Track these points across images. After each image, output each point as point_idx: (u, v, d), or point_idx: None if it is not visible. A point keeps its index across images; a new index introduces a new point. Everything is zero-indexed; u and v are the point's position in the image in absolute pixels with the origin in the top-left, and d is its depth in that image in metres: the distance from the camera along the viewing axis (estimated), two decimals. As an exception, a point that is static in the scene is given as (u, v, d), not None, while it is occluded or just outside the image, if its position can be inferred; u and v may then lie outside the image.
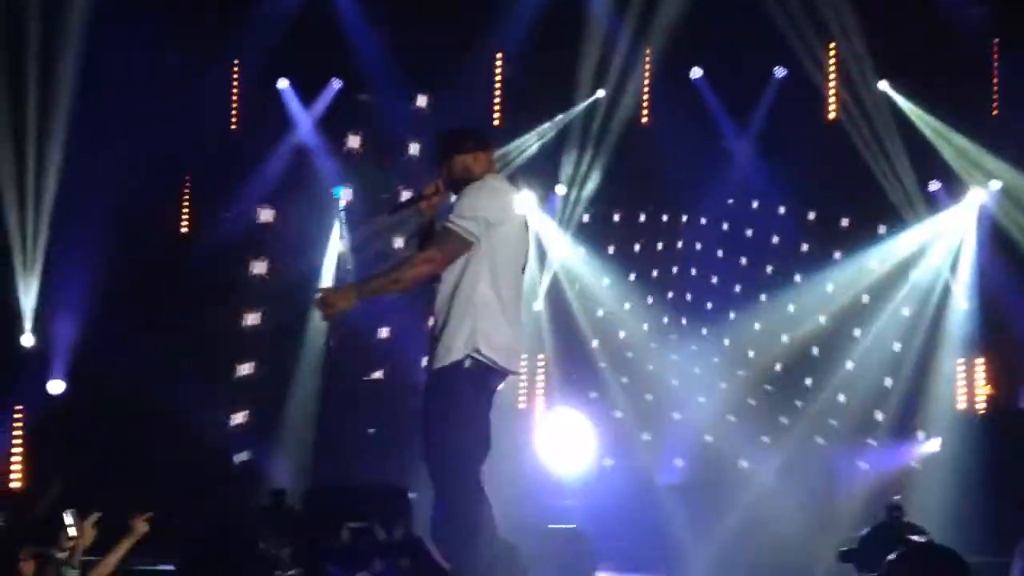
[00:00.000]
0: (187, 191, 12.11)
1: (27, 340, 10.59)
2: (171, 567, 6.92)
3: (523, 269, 5.61)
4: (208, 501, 9.49)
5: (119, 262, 10.55)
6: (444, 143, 5.75)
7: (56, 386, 10.65)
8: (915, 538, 6.80)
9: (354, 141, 12.15)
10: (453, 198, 5.54)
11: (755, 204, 13.63)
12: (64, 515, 6.35)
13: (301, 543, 7.52)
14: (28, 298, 10.55)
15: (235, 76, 12.02)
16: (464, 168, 5.59)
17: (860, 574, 6.94)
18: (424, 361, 5.74)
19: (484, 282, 5.37)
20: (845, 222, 13.45)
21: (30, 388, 10.39)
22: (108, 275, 10.51)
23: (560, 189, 13.21)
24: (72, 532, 6.32)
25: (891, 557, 6.20)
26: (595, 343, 13.10)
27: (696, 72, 13.24)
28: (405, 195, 10.28)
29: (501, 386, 5.54)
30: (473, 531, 5.33)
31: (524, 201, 12.29)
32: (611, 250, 13.33)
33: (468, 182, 5.56)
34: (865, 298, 13.19)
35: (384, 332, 12.21)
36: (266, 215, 11.87)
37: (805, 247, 13.56)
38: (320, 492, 4.47)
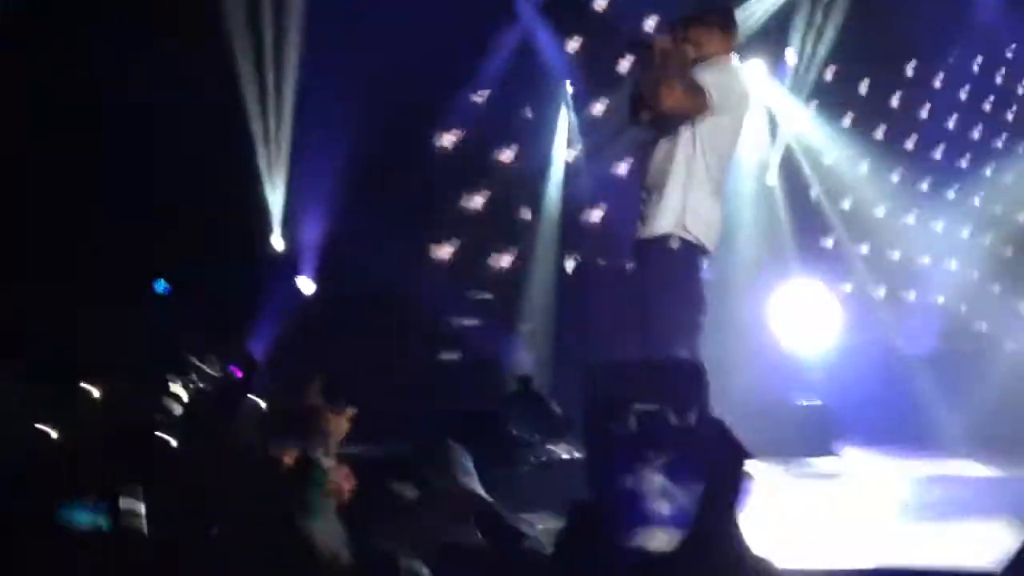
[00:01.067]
0: (416, 84, 12.20)
1: (276, 242, 11.02)
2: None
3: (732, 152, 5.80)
4: (455, 387, 9.78)
5: (359, 158, 10.77)
6: (690, 12, 5.86)
7: (307, 285, 11.05)
8: None
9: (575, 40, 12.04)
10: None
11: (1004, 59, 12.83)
12: (319, 406, 6.66)
13: (552, 427, 7.70)
14: (275, 200, 10.93)
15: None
16: (697, 40, 5.71)
17: None
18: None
19: (698, 160, 5.57)
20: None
21: (282, 289, 10.82)
22: (350, 173, 10.77)
23: (791, 56, 12.73)
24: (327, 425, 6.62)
25: None
26: (833, 215, 12.72)
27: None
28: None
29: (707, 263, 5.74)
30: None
31: (754, 72, 11.94)
32: (847, 117, 12.80)
33: (699, 56, 5.68)
34: None
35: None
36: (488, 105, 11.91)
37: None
38: (603, 370, 4.49)
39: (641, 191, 5.82)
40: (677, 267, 5.66)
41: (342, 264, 10.93)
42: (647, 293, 5.76)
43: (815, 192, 12.72)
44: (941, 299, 12.27)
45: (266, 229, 10.91)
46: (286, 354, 9.83)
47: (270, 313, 10.37)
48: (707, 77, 5.61)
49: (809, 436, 9.64)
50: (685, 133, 5.61)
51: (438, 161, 11.83)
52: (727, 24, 5.86)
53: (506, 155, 12.10)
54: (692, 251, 5.65)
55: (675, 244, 5.62)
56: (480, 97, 11.99)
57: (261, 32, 10.61)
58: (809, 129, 12.76)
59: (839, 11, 12.51)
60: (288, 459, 6.64)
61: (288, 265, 10.96)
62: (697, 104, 5.55)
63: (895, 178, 12.68)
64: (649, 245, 5.70)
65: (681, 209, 5.58)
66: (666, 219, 5.61)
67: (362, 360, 10.08)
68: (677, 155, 5.62)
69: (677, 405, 3.88)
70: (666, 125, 5.73)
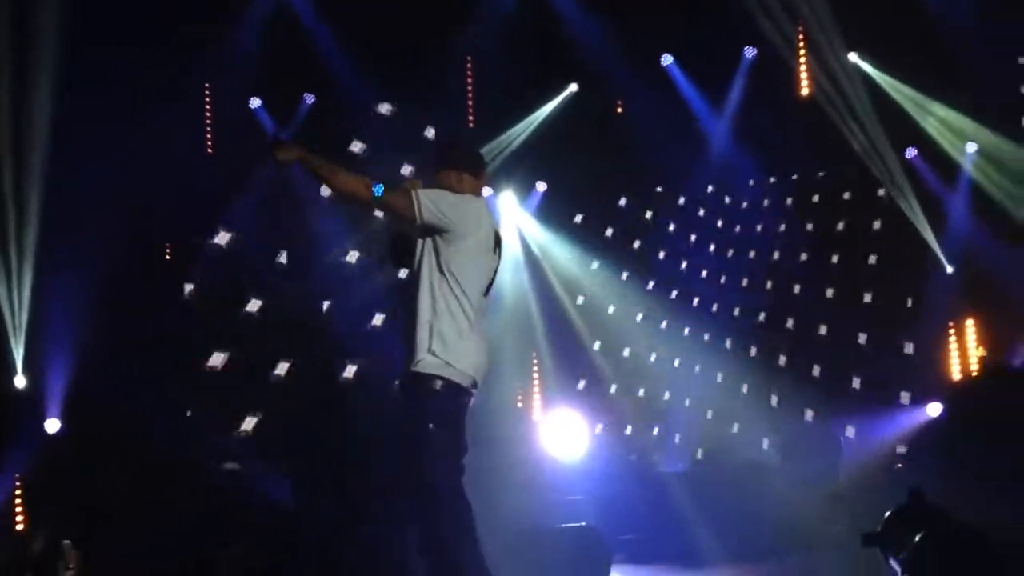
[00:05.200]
0: (166, 220, 11.87)
1: (19, 381, 10.43)
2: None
3: (489, 288, 5.69)
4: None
5: (107, 296, 10.37)
6: (438, 152, 5.89)
7: (53, 425, 10.51)
8: (938, 519, 6.81)
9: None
10: None
11: (735, 185, 13.76)
12: (62, 545, 6.47)
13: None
14: (18, 338, 10.38)
15: (207, 98, 11.85)
16: (448, 184, 5.73)
17: (884, 557, 6.97)
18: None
19: (452, 294, 5.49)
20: (816, 198, 13.67)
21: (26, 429, 10.22)
22: (96, 310, 10.33)
23: (541, 185, 13.18)
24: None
25: (916, 540, 6.21)
26: (591, 342, 13.13)
27: (667, 59, 13.27)
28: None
29: (473, 401, 5.62)
30: (458, 541, 5.37)
31: (504, 203, 12.29)
32: (596, 245, 13.31)
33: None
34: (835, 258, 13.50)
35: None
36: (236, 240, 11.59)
37: (783, 227, 13.75)
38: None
39: (401, 316, 5.70)
40: (438, 406, 5.45)
41: (88, 403, 10.40)
42: (406, 428, 5.51)
43: (569, 316, 13.08)
44: (691, 417, 12.76)
45: (8, 366, 10.29)
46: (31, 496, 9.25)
47: (13, 455, 9.79)
48: (449, 202, 5.56)
49: (575, 558, 9.68)
50: (438, 268, 5.55)
51: (183, 298, 11.37)
52: (475, 168, 5.84)
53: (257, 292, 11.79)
54: (455, 390, 5.47)
55: (438, 384, 5.43)
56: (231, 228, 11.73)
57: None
58: (561, 256, 13.16)
59: (583, 145, 13.06)
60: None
61: (33, 404, 10.36)
62: (403, 209, 5.48)
63: (644, 304, 13.23)
64: (413, 377, 5.50)
65: (441, 348, 5.43)
66: (427, 360, 5.44)
67: (111, 503, 9.59)
68: (434, 287, 5.52)
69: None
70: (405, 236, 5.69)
